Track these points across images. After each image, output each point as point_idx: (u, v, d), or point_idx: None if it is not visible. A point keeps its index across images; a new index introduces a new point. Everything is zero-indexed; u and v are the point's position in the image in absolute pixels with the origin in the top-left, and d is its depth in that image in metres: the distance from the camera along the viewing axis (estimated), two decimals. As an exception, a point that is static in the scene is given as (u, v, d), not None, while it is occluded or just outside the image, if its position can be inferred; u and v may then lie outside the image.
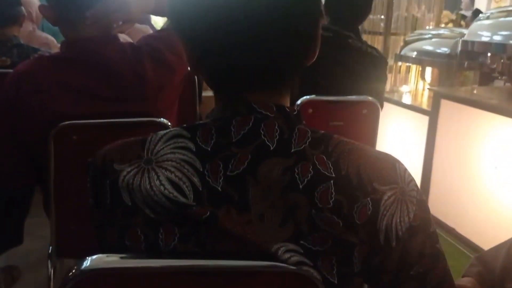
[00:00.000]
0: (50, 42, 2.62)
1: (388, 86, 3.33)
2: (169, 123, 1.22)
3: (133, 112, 1.20)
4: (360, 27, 3.52)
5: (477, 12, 5.86)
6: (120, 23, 1.21)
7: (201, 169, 0.57)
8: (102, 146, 0.64)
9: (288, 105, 0.63)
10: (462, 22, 6.11)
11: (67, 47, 1.19)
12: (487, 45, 2.46)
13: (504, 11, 2.61)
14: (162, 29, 1.51)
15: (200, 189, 0.57)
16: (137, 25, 2.50)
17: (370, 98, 1.79)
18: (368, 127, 1.84)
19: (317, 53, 0.63)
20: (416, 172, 2.65)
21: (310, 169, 0.58)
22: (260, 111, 0.59)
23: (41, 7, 1.20)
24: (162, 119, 1.22)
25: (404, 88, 3.33)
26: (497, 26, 2.45)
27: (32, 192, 1.28)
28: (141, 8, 1.20)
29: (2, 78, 1.21)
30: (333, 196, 0.57)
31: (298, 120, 0.61)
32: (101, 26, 1.16)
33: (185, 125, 0.61)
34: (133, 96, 1.21)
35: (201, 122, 0.61)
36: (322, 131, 0.62)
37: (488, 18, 2.58)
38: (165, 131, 0.61)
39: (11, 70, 1.22)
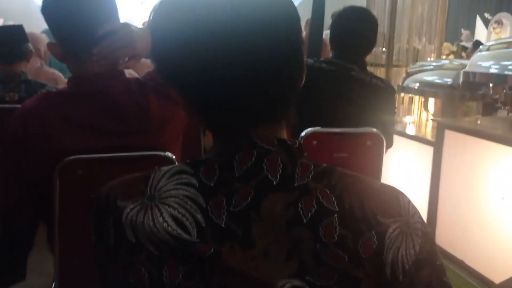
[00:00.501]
0: (57, 77, 2.68)
1: (392, 117, 3.35)
2: (174, 157, 1.23)
3: (138, 145, 1.21)
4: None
5: (477, 44, 5.95)
6: (126, 59, 1.24)
7: (204, 205, 0.57)
8: (107, 181, 0.64)
9: (285, 134, 0.64)
10: (463, 54, 6.19)
11: (73, 83, 1.21)
12: (489, 76, 2.48)
13: (504, 42, 2.65)
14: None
15: (204, 226, 0.56)
16: (143, 59, 2.54)
17: (374, 129, 1.80)
18: (373, 158, 1.83)
19: (304, 79, 0.64)
20: (422, 204, 2.63)
21: (314, 203, 0.58)
22: (262, 146, 0.59)
23: (49, 45, 1.23)
24: (167, 152, 1.22)
25: (407, 119, 3.35)
26: (498, 57, 2.48)
27: (35, 227, 1.27)
28: (147, 44, 1.22)
29: (10, 113, 1.23)
30: (337, 230, 0.57)
31: (300, 154, 0.62)
32: (108, 62, 1.18)
33: (188, 160, 0.62)
34: (138, 130, 1.22)
35: (203, 157, 0.62)
36: (325, 165, 0.62)
37: (488, 49, 2.61)
38: (168, 167, 0.62)
39: (19, 105, 1.24)
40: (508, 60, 2.38)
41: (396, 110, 2.05)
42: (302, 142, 1.69)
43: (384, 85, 1.95)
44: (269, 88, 0.59)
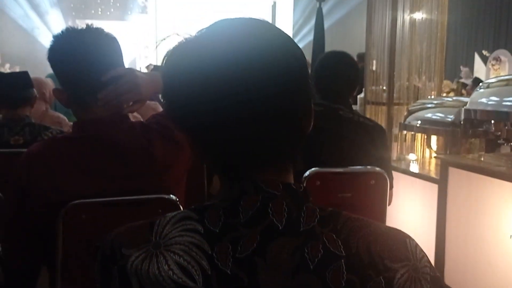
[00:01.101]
0: (62, 120, 2.72)
1: (394, 155, 3.35)
2: (177, 200, 1.22)
3: (143, 189, 1.20)
4: (362, 98, 3.62)
5: (476, 81, 6.03)
6: (131, 103, 1.25)
7: (210, 252, 0.57)
8: (111, 225, 0.63)
9: (292, 179, 0.64)
10: (463, 91, 6.26)
11: (78, 128, 1.22)
12: (490, 113, 2.50)
13: (503, 80, 2.68)
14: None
15: (209, 273, 0.56)
16: (147, 102, 2.59)
17: (377, 168, 1.80)
18: (377, 197, 1.82)
19: (312, 124, 0.65)
20: (429, 243, 2.59)
21: (320, 248, 0.57)
22: (267, 190, 0.59)
23: (55, 91, 1.25)
24: (171, 195, 1.22)
25: (411, 157, 3.34)
26: (498, 94, 2.50)
27: (37, 272, 1.26)
28: (152, 89, 1.24)
29: (15, 156, 1.24)
30: (344, 276, 0.56)
31: (305, 198, 0.61)
32: (113, 106, 1.20)
33: (193, 206, 0.62)
34: (143, 173, 1.22)
35: (208, 203, 0.61)
36: (330, 208, 0.62)
37: (488, 87, 2.64)
38: (173, 214, 0.61)
39: (24, 149, 1.24)
40: (508, 97, 2.41)
41: (388, 150, 2.07)
42: (305, 183, 1.69)
43: (372, 123, 2.01)
44: (276, 132, 0.60)
